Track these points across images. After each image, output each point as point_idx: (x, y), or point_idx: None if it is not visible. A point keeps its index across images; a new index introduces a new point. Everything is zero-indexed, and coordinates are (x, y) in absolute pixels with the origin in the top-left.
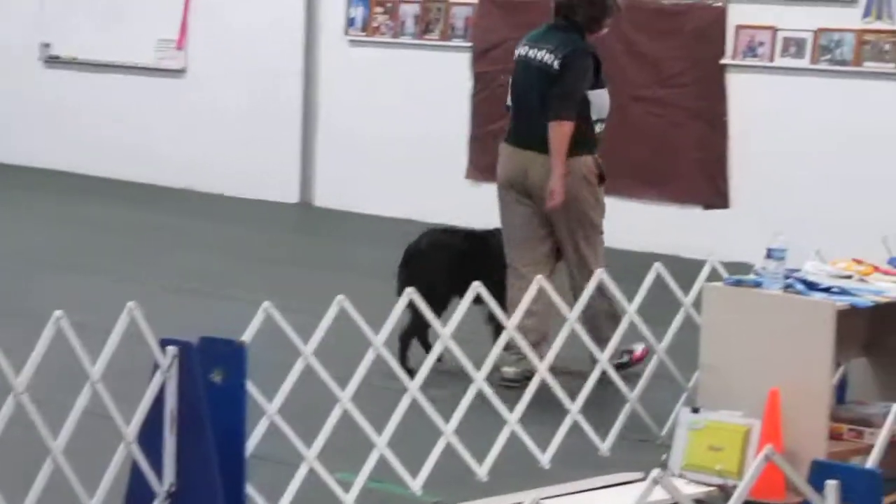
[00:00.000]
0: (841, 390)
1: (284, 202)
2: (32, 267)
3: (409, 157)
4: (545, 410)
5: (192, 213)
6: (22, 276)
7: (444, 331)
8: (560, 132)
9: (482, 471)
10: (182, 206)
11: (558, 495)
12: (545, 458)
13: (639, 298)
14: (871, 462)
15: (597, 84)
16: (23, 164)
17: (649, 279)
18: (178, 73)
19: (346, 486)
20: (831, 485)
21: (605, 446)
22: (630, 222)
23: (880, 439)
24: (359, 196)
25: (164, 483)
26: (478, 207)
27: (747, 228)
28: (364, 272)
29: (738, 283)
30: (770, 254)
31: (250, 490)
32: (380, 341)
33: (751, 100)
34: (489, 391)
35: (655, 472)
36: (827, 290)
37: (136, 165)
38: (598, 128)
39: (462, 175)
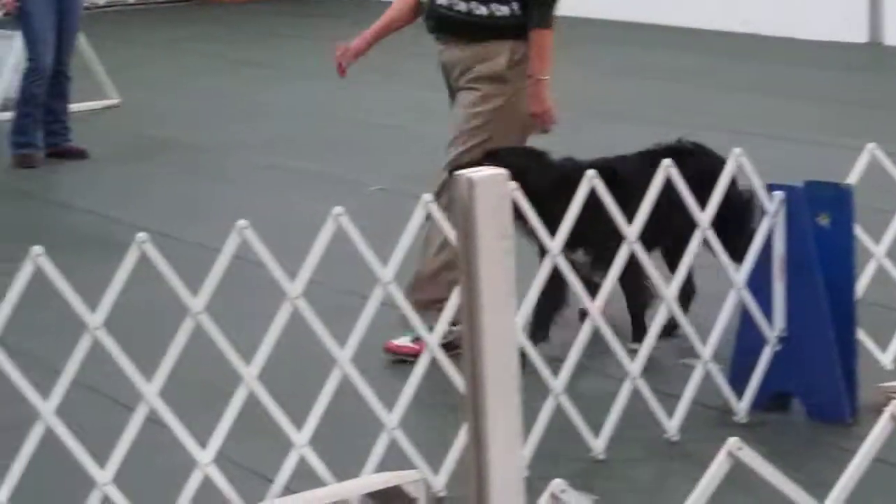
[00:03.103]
0: None
1: (851, 42)
2: (597, 117)
3: None
4: None
5: (754, 55)
6: (587, 125)
7: None
8: None
9: None
10: (737, 49)
11: None
12: None
13: None
14: None
15: None
16: (586, 17)
17: None
18: None
19: None
20: None
21: None
22: None
23: None
24: None
25: (774, 328)
26: None
27: None
28: None
29: None
30: None
31: (861, 335)
32: None
33: None
34: None
35: None
36: None
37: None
38: None
39: None
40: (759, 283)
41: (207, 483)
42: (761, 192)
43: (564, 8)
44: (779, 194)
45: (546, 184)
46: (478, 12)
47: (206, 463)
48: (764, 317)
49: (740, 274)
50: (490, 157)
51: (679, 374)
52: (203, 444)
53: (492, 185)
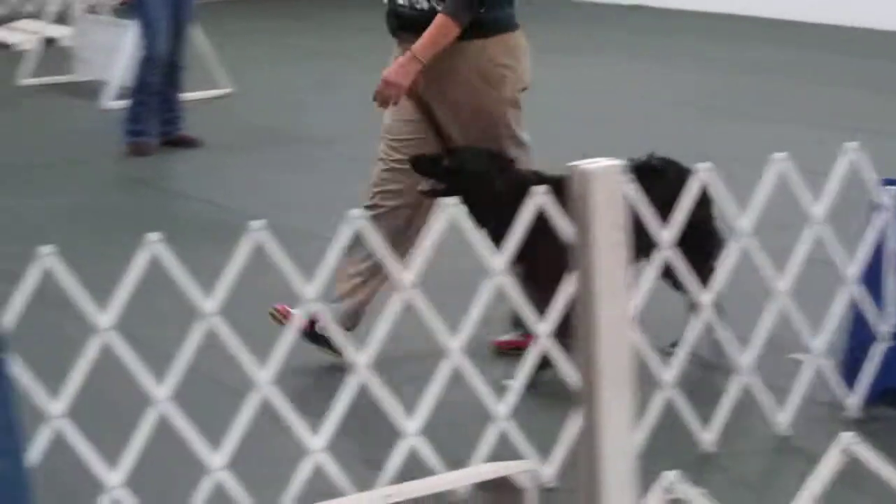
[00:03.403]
0: None
1: None
2: (704, 114)
3: None
4: None
5: (850, 48)
6: (694, 123)
7: None
8: None
9: None
10: (833, 42)
11: None
12: None
13: None
14: None
15: None
16: (692, 10)
17: None
18: None
19: None
20: None
21: None
22: None
23: None
24: None
25: (886, 324)
26: None
27: None
28: None
29: None
30: None
31: None
32: None
33: None
34: None
35: None
36: None
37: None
38: None
39: None
40: (871, 278)
41: (318, 470)
42: (875, 188)
43: None
44: (893, 189)
45: (511, 193)
46: (440, 10)
47: (318, 450)
48: (877, 312)
49: (852, 269)
50: (454, 157)
51: (786, 368)
52: (314, 431)
53: (607, 176)
